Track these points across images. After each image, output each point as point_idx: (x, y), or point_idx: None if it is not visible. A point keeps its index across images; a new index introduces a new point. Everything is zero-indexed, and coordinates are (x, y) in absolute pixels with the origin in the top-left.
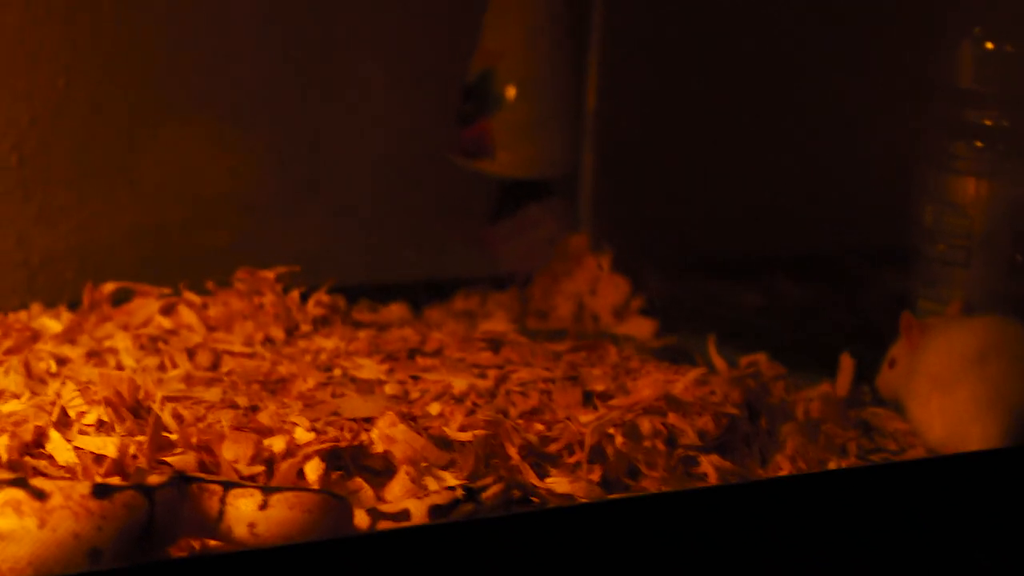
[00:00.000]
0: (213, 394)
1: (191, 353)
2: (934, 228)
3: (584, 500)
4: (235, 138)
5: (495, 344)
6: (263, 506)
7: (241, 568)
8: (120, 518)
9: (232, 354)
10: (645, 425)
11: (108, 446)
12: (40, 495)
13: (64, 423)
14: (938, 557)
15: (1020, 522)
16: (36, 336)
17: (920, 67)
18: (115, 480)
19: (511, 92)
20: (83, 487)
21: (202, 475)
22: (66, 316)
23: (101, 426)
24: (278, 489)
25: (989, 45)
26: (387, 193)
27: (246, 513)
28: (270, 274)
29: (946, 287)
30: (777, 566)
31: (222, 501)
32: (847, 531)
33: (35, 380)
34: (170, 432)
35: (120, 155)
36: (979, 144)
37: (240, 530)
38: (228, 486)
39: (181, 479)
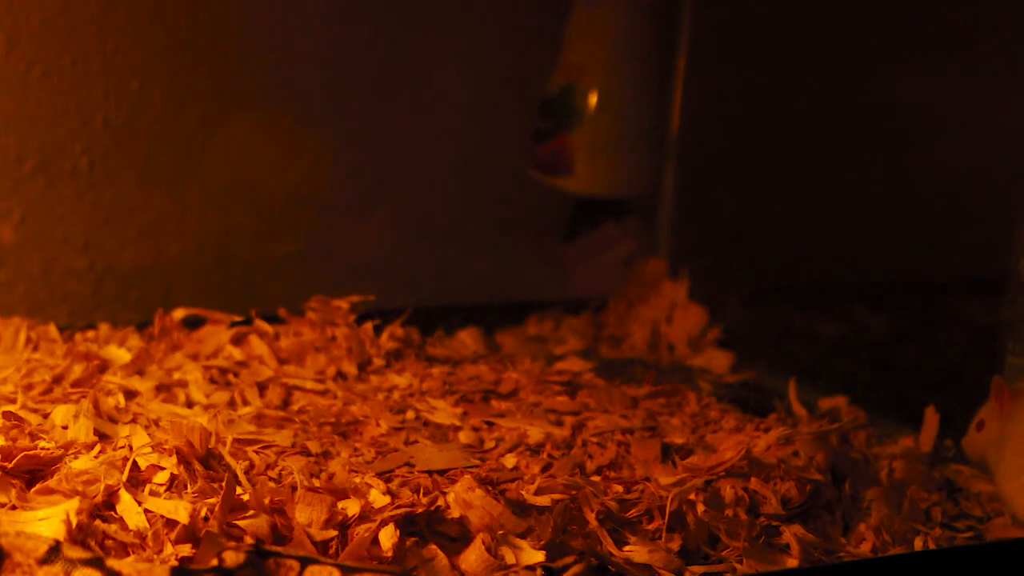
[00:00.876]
0: (284, 437)
1: (262, 388)
2: None
3: (663, 571)
4: (308, 142)
5: (572, 387)
6: None
7: None
8: None
9: (303, 391)
10: (727, 491)
11: (179, 510)
12: None
13: (135, 481)
14: None
15: None
16: (104, 366)
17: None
18: (186, 548)
19: (592, 108)
20: (162, 571)
21: (279, 549)
22: (135, 341)
23: (172, 483)
24: (359, 570)
25: None
26: (460, 205)
27: None
28: (344, 304)
29: None
30: None
31: None
32: None
33: (104, 419)
34: (242, 492)
35: (192, 158)
36: None
37: None
38: (305, 562)
39: (258, 555)
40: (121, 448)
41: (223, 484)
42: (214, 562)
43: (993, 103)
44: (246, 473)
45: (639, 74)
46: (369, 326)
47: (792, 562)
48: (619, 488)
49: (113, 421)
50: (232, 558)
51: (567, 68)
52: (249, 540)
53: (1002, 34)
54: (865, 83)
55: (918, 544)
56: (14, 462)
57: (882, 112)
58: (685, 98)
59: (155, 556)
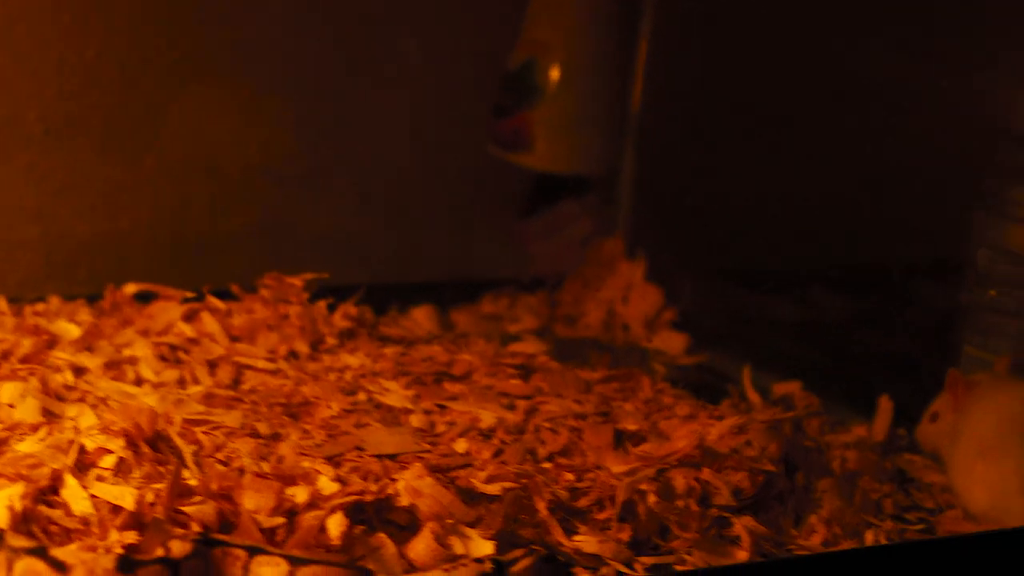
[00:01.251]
0: (233, 418)
1: (212, 367)
2: (987, 274)
3: (612, 562)
4: (265, 114)
5: (525, 370)
6: None
7: None
8: None
9: (255, 370)
10: (679, 481)
11: (125, 496)
12: (62, 568)
13: (81, 465)
14: None
15: None
16: (53, 341)
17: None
18: (132, 535)
19: (553, 84)
20: (107, 560)
21: (226, 538)
22: (85, 316)
23: (119, 467)
24: (307, 562)
25: None
26: (418, 181)
27: None
28: (297, 281)
29: (994, 336)
30: None
31: (245, 568)
32: None
33: (52, 397)
34: (190, 476)
35: (148, 129)
36: None
37: None
38: (253, 552)
39: (205, 544)
40: (68, 430)
41: (171, 468)
42: (160, 552)
43: (956, 86)
44: (194, 455)
45: (601, 52)
46: (322, 304)
47: (742, 555)
48: (570, 476)
49: (61, 399)
50: (179, 548)
51: (529, 43)
52: (196, 527)
53: (964, 18)
54: (827, 67)
55: (869, 538)
56: None
57: (844, 96)
58: (647, 78)
59: (99, 543)
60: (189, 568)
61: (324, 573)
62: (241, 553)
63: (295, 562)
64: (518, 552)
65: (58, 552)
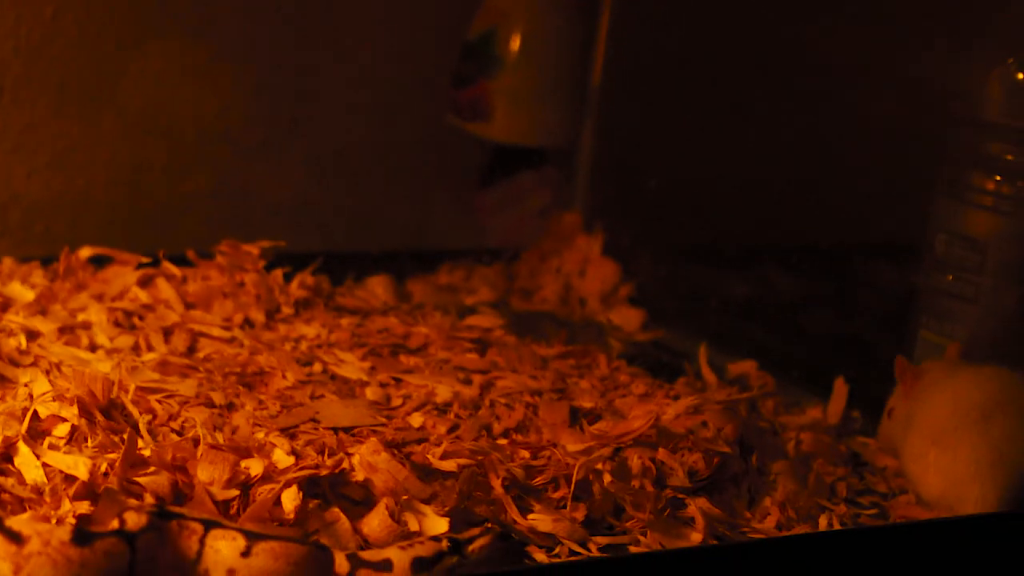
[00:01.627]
0: (188, 387)
1: (167, 334)
2: (944, 258)
3: (566, 541)
4: (224, 77)
5: (482, 344)
6: (246, 553)
7: None
8: (100, 567)
9: (210, 338)
10: (634, 461)
11: (79, 465)
12: (17, 539)
13: (34, 433)
14: None
15: None
16: (7, 304)
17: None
18: (84, 505)
19: (513, 55)
20: (63, 532)
21: (182, 511)
22: (39, 279)
23: (73, 436)
24: (264, 537)
25: (1020, 76)
26: (376, 149)
27: (226, 558)
28: (254, 249)
29: (951, 321)
30: None
31: (201, 542)
32: None
33: (5, 361)
34: (144, 447)
35: (105, 89)
36: (999, 179)
37: (218, 574)
38: (209, 525)
39: (160, 516)
40: (22, 397)
41: (125, 437)
42: (115, 524)
43: (919, 71)
44: (148, 424)
45: (562, 23)
46: (279, 273)
47: (696, 536)
48: (526, 454)
49: (14, 364)
50: (134, 520)
51: (489, 12)
52: (149, 498)
53: (929, 3)
54: (790, 47)
55: (823, 522)
56: None
57: (806, 76)
58: (608, 51)
59: (52, 513)
60: (145, 541)
61: (281, 548)
62: (197, 526)
63: (251, 536)
64: (475, 531)
65: (13, 522)
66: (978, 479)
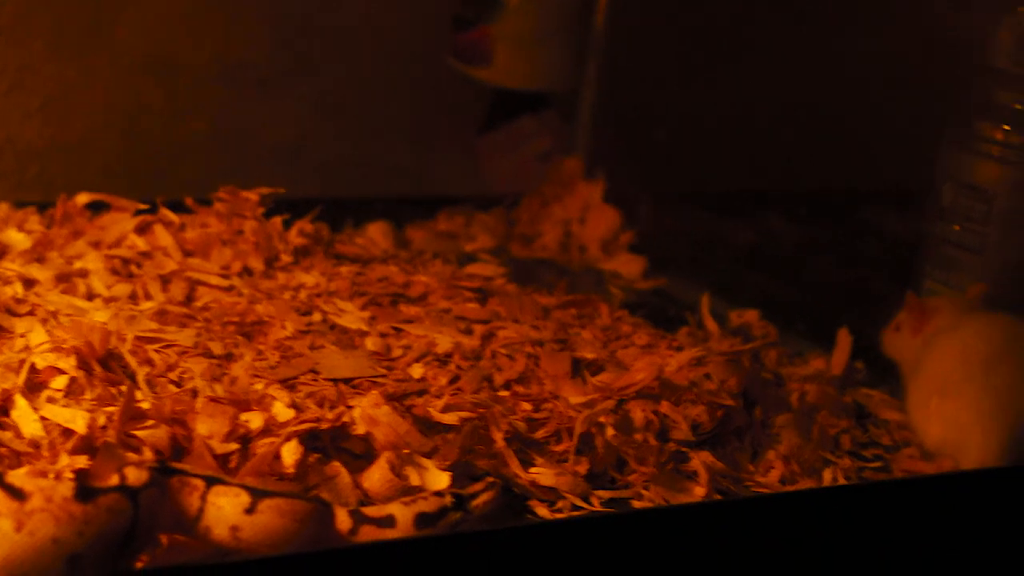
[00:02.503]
0: (186, 337)
1: (165, 282)
2: (951, 208)
3: (568, 495)
4: (223, 17)
5: (482, 293)
6: (250, 510)
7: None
8: (103, 523)
9: (208, 286)
10: (637, 414)
11: (77, 419)
12: (19, 495)
13: (31, 385)
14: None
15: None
16: (2, 251)
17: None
18: (82, 459)
19: None
20: (65, 488)
21: (184, 467)
22: (35, 225)
23: (70, 388)
24: (268, 493)
25: None
26: (375, 92)
27: (229, 514)
28: (253, 195)
29: (955, 271)
30: None
31: (203, 498)
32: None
33: (1, 311)
34: (142, 399)
35: (103, 29)
36: (1007, 128)
37: (220, 531)
38: (211, 482)
39: (162, 472)
40: (19, 348)
41: (123, 390)
42: (115, 479)
43: (930, 17)
44: (146, 375)
45: None
46: (278, 220)
47: (700, 490)
48: (527, 407)
49: (11, 313)
50: (135, 475)
51: None
52: (148, 452)
53: None
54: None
55: (827, 476)
56: None
57: (814, 20)
58: None
59: (49, 467)
60: (147, 497)
61: (287, 505)
62: (199, 483)
63: (255, 493)
64: (478, 486)
65: (13, 478)
66: (980, 427)
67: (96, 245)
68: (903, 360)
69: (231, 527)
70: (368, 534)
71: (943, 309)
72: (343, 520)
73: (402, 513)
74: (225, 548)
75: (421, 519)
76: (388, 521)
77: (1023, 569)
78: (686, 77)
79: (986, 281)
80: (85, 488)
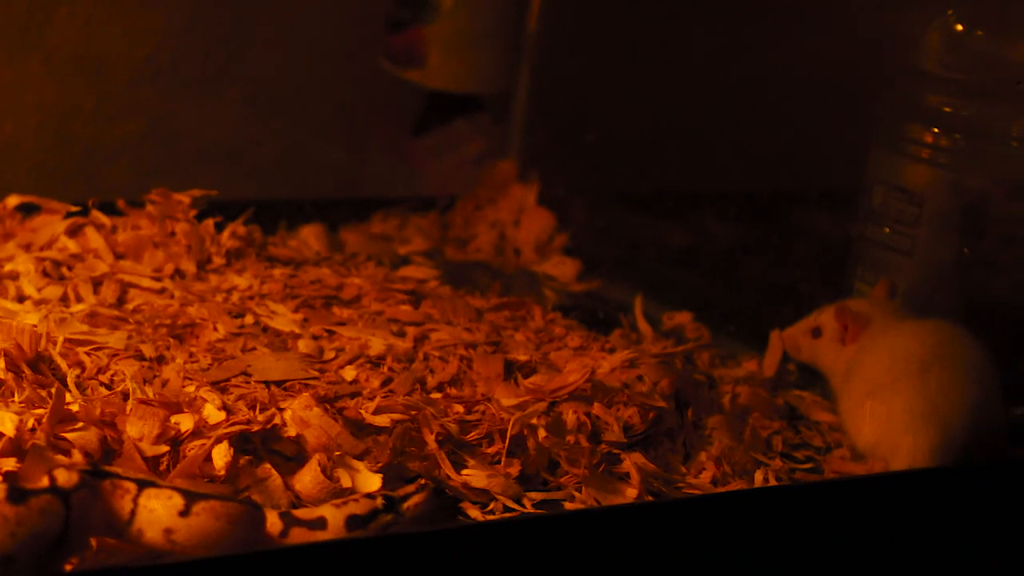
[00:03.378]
0: (117, 339)
1: (96, 284)
2: (881, 210)
3: (501, 497)
4: (155, 18)
5: (416, 296)
6: (185, 512)
7: None
8: (35, 525)
9: (140, 288)
10: (569, 416)
11: (5, 421)
12: None
13: None
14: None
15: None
16: None
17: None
18: (10, 462)
19: (450, 1)
20: None
21: (116, 470)
22: None
23: (0, 391)
24: (202, 496)
25: (959, 27)
26: (309, 94)
27: (163, 517)
28: (185, 198)
29: (885, 273)
30: None
31: (135, 501)
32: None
33: None
34: (72, 401)
35: (33, 30)
36: (936, 131)
37: (154, 534)
38: (143, 485)
39: (93, 475)
40: None
41: (52, 392)
42: (45, 481)
43: (859, 20)
44: (77, 377)
45: None
46: (210, 223)
47: (631, 492)
48: (460, 408)
49: None
50: (64, 477)
51: None
52: (77, 454)
53: None
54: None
55: (758, 477)
56: None
57: (745, 22)
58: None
59: None
60: (79, 498)
61: (222, 508)
62: (131, 486)
63: (191, 496)
64: (410, 488)
65: None
66: (911, 431)
67: (27, 247)
68: (829, 367)
69: (165, 530)
70: (299, 536)
71: (875, 317)
72: (274, 522)
73: (333, 515)
74: (158, 551)
75: (352, 521)
76: (319, 523)
77: (952, 568)
78: (618, 79)
79: (916, 282)
80: (17, 490)
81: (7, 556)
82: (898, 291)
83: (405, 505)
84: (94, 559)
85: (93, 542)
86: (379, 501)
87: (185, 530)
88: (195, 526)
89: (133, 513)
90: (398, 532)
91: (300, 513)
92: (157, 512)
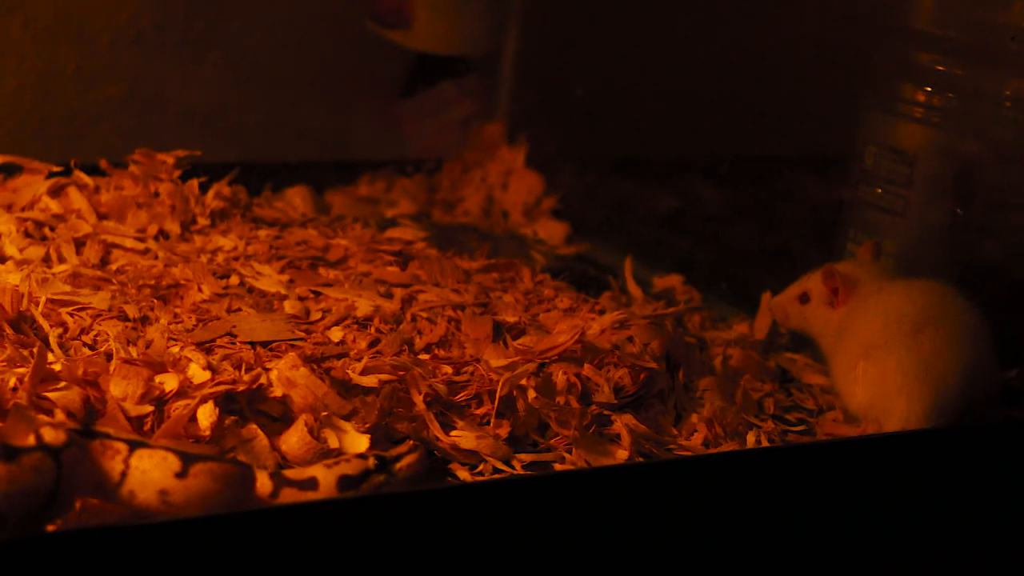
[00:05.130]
0: (101, 300)
1: (79, 245)
2: (873, 171)
3: (490, 458)
4: None
5: (403, 257)
6: (182, 474)
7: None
8: (27, 482)
9: (123, 249)
10: (559, 377)
11: None
12: None
13: None
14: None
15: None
16: None
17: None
18: None
19: None
20: None
21: (108, 430)
22: None
23: None
24: (200, 458)
25: None
26: (294, 55)
27: (158, 478)
28: (169, 158)
29: (877, 234)
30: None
31: (125, 462)
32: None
33: None
34: (54, 361)
35: None
36: (928, 89)
37: (147, 495)
38: (134, 445)
39: (83, 434)
40: None
41: (34, 352)
42: (32, 440)
43: None
44: (59, 338)
45: None
46: (194, 183)
47: (622, 453)
48: (448, 369)
49: None
50: (52, 435)
51: None
52: (60, 414)
53: None
54: None
55: (750, 439)
56: None
57: None
58: None
59: None
60: (70, 456)
61: (219, 469)
62: (121, 446)
63: (188, 457)
64: (402, 448)
65: None
66: (904, 391)
67: (8, 208)
68: (819, 331)
69: (160, 491)
70: (290, 497)
71: (863, 278)
72: (264, 483)
73: (324, 476)
74: (151, 512)
75: (344, 482)
76: (310, 484)
77: (946, 530)
78: (607, 41)
79: (908, 243)
80: (8, 447)
81: None
82: (883, 252)
83: (397, 466)
84: (77, 519)
85: (77, 503)
86: (371, 462)
87: (182, 491)
88: (192, 487)
89: (124, 474)
90: (386, 492)
91: (290, 473)
92: (151, 473)
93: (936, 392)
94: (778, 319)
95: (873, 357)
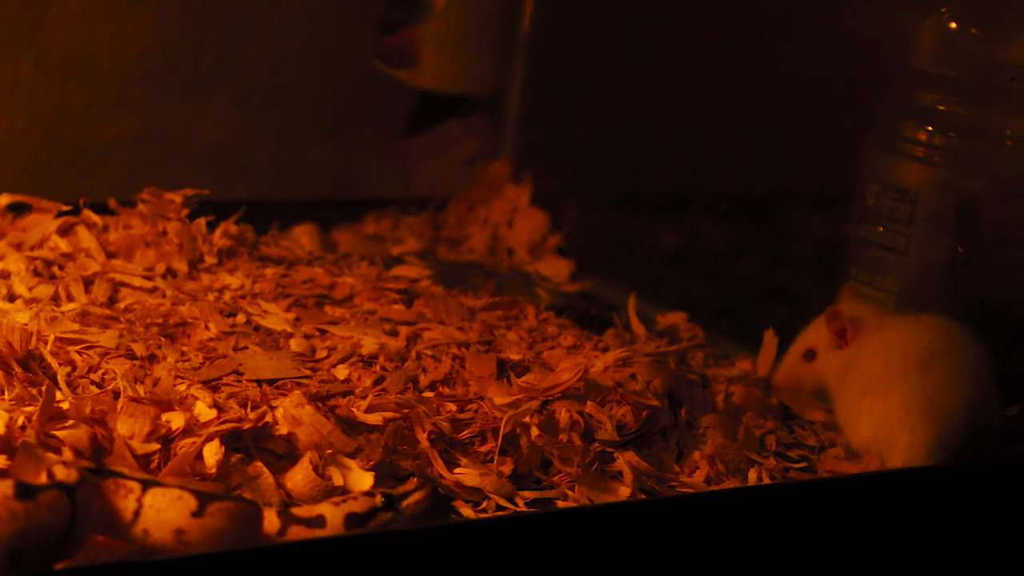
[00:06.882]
0: (109, 338)
1: (88, 284)
2: (875, 209)
3: (493, 495)
4: (147, 19)
5: (408, 295)
6: (198, 513)
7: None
8: (43, 520)
9: (131, 288)
10: (562, 414)
11: None
12: None
13: None
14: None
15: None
16: None
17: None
18: (0, 459)
19: (443, 1)
20: (5, 487)
21: (122, 469)
22: None
23: None
24: (216, 497)
25: (953, 25)
26: (302, 94)
27: (172, 517)
28: (177, 197)
29: (879, 272)
30: None
31: (139, 501)
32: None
33: None
34: (62, 399)
35: (25, 30)
36: (930, 128)
37: (162, 534)
38: (147, 484)
39: (96, 473)
40: None
41: (43, 390)
42: (44, 478)
43: (853, 18)
44: (68, 376)
45: None
46: (202, 222)
47: (624, 490)
48: (452, 407)
49: None
50: (64, 473)
51: None
52: (68, 452)
53: None
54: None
55: (752, 476)
56: None
57: (739, 22)
58: (538, 1)
59: None
60: (83, 493)
61: (236, 508)
62: (135, 486)
63: (204, 497)
64: (409, 485)
65: None
66: (908, 427)
67: (18, 246)
68: (828, 380)
69: (176, 529)
70: (297, 534)
71: (864, 316)
72: (271, 521)
73: (332, 513)
74: (164, 550)
75: (351, 519)
76: (318, 521)
77: (947, 566)
78: (611, 80)
79: (910, 281)
80: (25, 486)
81: (15, 551)
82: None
83: (404, 503)
84: (85, 557)
85: (96, 540)
86: (378, 499)
87: (199, 530)
88: (209, 526)
89: (137, 513)
90: (391, 530)
91: (298, 511)
92: (166, 512)
93: (940, 428)
94: (791, 390)
95: (877, 393)
